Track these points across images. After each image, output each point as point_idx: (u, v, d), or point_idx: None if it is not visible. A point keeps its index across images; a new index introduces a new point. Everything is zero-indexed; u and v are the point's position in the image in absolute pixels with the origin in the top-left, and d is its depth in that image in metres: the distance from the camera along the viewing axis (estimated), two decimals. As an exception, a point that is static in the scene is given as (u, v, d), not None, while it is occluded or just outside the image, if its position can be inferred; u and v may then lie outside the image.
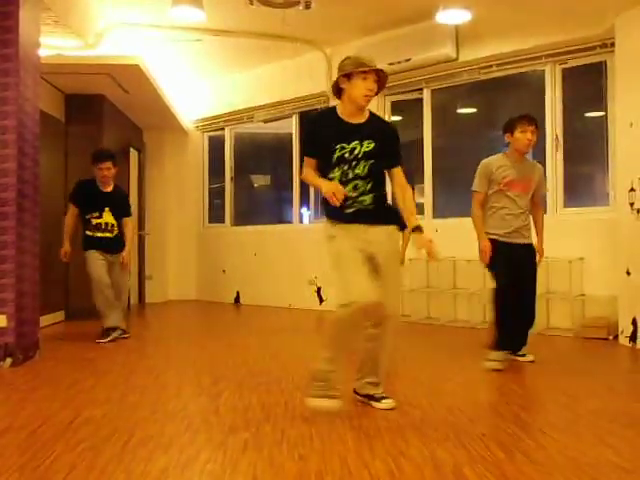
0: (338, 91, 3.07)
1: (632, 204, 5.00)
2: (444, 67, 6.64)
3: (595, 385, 3.77)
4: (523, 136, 4.21)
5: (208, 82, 8.93)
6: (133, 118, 8.48)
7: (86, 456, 2.44)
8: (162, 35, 6.93)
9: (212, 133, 9.47)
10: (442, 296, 6.52)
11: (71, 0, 5.73)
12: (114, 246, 5.52)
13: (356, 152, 3.00)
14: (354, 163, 3.00)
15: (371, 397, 3.17)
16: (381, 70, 3.03)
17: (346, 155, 2.99)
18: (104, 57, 6.27)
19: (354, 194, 3.02)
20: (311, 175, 3.10)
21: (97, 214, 5.50)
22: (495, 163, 4.28)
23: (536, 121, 4.30)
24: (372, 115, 3.13)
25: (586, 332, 5.50)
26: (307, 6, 5.86)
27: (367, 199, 3.04)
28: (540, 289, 5.85)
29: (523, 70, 6.36)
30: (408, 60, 6.58)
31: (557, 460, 2.40)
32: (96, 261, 5.44)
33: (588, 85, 6.24)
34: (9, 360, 4.21)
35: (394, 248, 3.15)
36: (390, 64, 6.71)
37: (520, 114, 4.33)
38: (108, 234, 5.52)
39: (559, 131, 6.10)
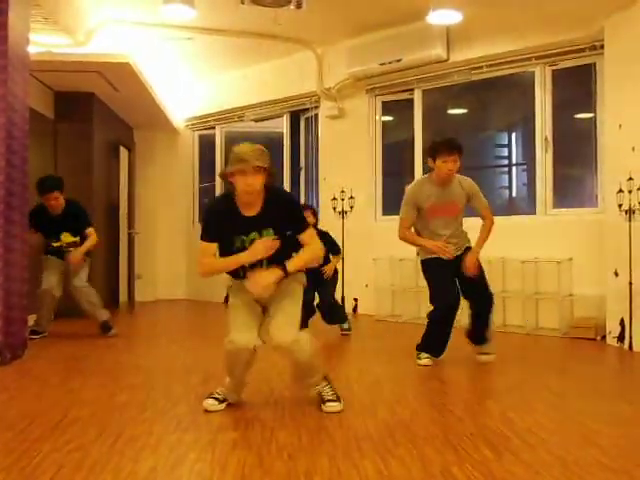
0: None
1: (620, 205, 5.04)
2: (435, 68, 6.66)
3: (583, 385, 3.80)
4: (444, 166, 4.14)
5: (199, 81, 8.90)
6: (123, 116, 8.44)
7: (74, 456, 2.43)
8: (153, 33, 6.91)
9: (202, 132, 9.45)
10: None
11: (61, -3, 5.70)
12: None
13: (248, 242, 3.01)
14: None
15: (321, 399, 3.16)
16: (254, 167, 2.90)
17: (247, 245, 3.00)
18: (94, 55, 6.23)
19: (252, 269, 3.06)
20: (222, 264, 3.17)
21: (54, 239, 5.48)
22: (420, 189, 4.27)
23: (459, 149, 4.16)
24: (266, 199, 3.02)
25: (574, 332, 5.54)
26: (298, 5, 5.85)
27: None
28: (529, 289, 5.92)
29: (513, 71, 6.39)
30: (399, 60, 6.59)
31: (545, 459, 2.41)
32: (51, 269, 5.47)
33: (577, 87, 6.28)
34: (-4, 359, 4.18)
35: (283, 284, 3.06)
36: (381, 64, 6.74)
37: (442, 139, 4.24)
38: (71, 249, 5.50)
39: (548, 132, 6.13)
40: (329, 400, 3.11)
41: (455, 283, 4.28)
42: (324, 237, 5.52)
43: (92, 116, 7.19)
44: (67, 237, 5.50)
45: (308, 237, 3.10)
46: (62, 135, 7.07)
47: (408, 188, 4.39)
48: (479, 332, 4.39)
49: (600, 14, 5.33)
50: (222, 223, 3.04)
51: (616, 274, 5.09)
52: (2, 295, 4.21)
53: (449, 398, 3.59)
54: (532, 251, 5.94)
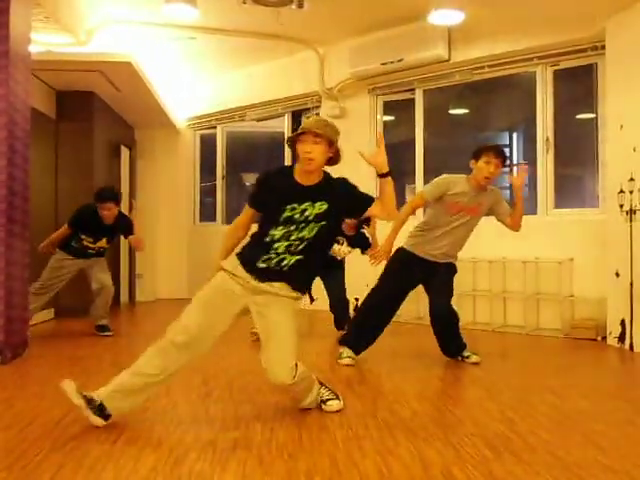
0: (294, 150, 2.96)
1: (622, 206, 5.03)
2: (436, 67, 6.66)
3: (583, 385, 3.80)
4: (486, 167, 4.11)
5: (200, 80, 8.90)
6: (124, 116, 8.44)
7: (74, 455, 2.43)
8: (154, 32, 6.91)
9: (204, 131, 9.45)
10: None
11: (63, -4, 5.70)
12: (92, 256, 5.62)
13: (297, 215, 2.86)
14: (302, 225, 2.86)
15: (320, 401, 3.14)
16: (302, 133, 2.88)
17: (297, 215, 2.86)
18: (95, 54, 6.23)
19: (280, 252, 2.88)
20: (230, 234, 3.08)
21: (91, 240, 5.55)
22: (456, 181, 4.24)
23: (504, 156, 4.17)
24: (325, 176, 2.98)
25: (575, 333, 5.54)
26: (300, 5, 5.85)
27: (291, 260, 2.88)
28: (530, 289, 5.92)
29: (515, 71, 6.39)
30: (400, 60, 6.59)
31: (545, 460, 2.41)
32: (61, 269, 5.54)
33: (579, 87, 6.27)
34: (-2, 358, 4.19)
35: (281, 316, 2.89)
36: (382, 64, 6.73)
37: (488, 145, 4.27)
38: (92, 252, 5.60)
39: (550, 133, 6.13)
40: (329, 399, 3.11)
41: (405, 292, 4.33)
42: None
43: (93, 115, 7.19)
44: (103, 242, 5.61)
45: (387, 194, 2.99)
46: (63, 134, 7.07)
47: (446, 175, 4.28)
48: (454, 343, 4.39)
49: (601, 14, 5.33)
50: (272, 190, 2.93)
51: (617, 274, 5.09)
52: (3, 294, 4.21)
53: (450, 398, 3.59)
54: (533, 251, 5.94)
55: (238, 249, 3.02)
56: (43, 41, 5.96)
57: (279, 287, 2.88)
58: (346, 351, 4.30)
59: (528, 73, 6.32)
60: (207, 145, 9.44)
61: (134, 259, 8.81)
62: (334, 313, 5.51)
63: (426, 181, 7.04)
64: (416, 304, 6.63)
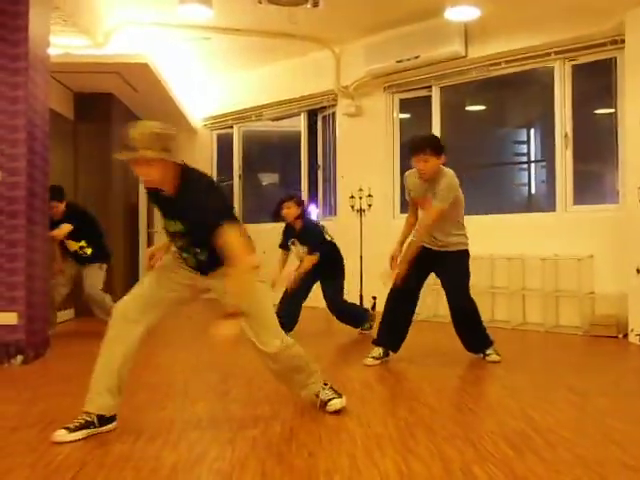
0: None
1: (642, 201, 4.97)
2: (453, 64, 6.62)
3: (604, 383, 3.76)
4: (415, 165, 4.12)
5: (216, 80, 8.93)
6: (142, 116, 8.49)
7: (96, 454, 2.46)
8: (170, 33, 6.95)
9: (220, 131, 9.49)
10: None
11: (80, -1, 5.75)
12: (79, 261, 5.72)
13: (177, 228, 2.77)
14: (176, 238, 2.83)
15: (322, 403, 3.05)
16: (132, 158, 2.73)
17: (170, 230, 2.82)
18: (113, 56, 6.29)
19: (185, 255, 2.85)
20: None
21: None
22: None
23: (422, 149, 4.04)
24: (184, 183, 2.78)
25: (595, 330, 5.48)
26: (315, 4, 5.85)
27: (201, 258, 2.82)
28: (549, 287, 5.87)
29: (532, 67, 6.33)
30: (417, 57, 6.56)
31: (566, 458, 2.39)
32: None
33: (598, 82, 6.20)
34: (20, 357, 4.24)
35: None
36: (398, 61, 6.71)
37: (412, 138, 4.31)
38: (76, 256, 5.70)
39: (568, 128, 6.07)
40: (330, 399, 3.01)
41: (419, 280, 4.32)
42: (309, 232, 5.39)
43: (111, 116, 7.25)
44: (73, 245, 5.64)
45: (228, 232, 2.64)
46: (82, 135, 7.14)
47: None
48: (475, 337, 4.36)
49: (620, 7, 5.26)
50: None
51: (638, 271, 5.02)
52: (24, 294, 4.27)
53: (469, 396, 3.57)
54: (552, 248, 5.89)
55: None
56: (61, 44, 6.02)
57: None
58: (374, 351, 4.29)
59: (546, 68, 6.26)
60: (224, 145, 9.48)
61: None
62: (333, 314, 5.55)
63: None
64: (435, 302, 6.61)
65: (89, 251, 5.66)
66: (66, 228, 5.49)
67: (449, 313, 4.32)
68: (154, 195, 2.85)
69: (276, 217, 5.64)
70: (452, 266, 4.26)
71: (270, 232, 8.56)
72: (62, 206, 5.53)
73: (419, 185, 4.18)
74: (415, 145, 4.13)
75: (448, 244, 4.24)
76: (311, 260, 5.28)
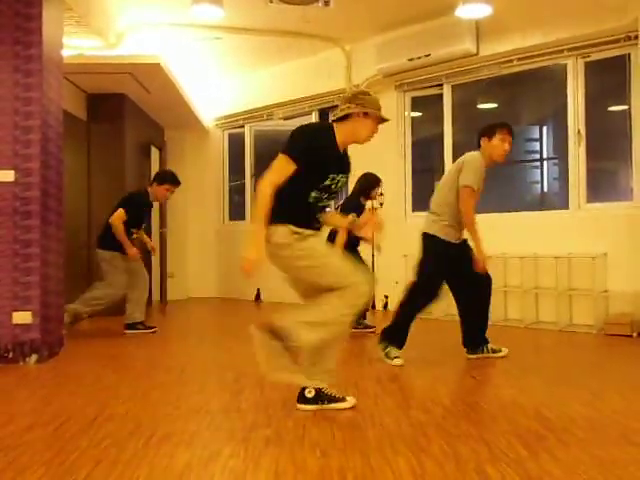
0: (345, 117, 2.98)
1: (657, 199, 4.93)
2: (464, 62, 6.60)
3: (619, 383, 3.73)
4: (501, 145, 4.14)
5: (228, 80, 8.96)
6: (154, 117, 8.54)
7: (110, 451, 2.47)
8: (182, 34, 6.98)
9: (232, 131, 9.52)
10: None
11: (92, 0, 5.79)
12: None
13: (339, 184, 2.99)
14: (332, 195, 3.00)
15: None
16: (386, 120, 3.08)
17: (333, 186, 2.96)
18: (125, 57, 6.33)
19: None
20: (267, 201, 2.82)
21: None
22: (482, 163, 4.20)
23: (514, 135, 4.22)
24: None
25: (609, 329, 5.44)
26: (326, 3, 5.85)
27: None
28: (562, 285, 5.84)
29: (544, 64, 6.30)
30: (428, 55, 6.55)
31: (581, 459, 2.37)
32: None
33: (611, 79, 6.16)
34: (35, 356, 4.28)
35: None
36: (410, 60, 6.70)
37: (501, 122, 4.27)
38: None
39: (581, 126, 6.03)
40: (333, 400, 3.04)
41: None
42: None
43: (124, 117, 7.30)
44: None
45: None
46: (95, 136, 7.19)
47: (474, 156, 4.18)
48: (482, 329, 4.36)
49: (634, 3, 5.22)
50: (322, 150, 2.90)
51: (653, 269, 4.99)
52: (39, 294, 4.30)
53: (482, 396, 3.56)
54: (565, 247, 5.85)
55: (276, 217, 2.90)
56: (74, 45, 6.06)
57: None
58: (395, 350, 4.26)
59: (558, 65, 6.22)
60: (235, 144, 9.50)
61: (165, 258, 8.91)
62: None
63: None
64: (447, 300, 6.59)
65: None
66: None
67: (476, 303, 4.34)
68: (330, 146, 2.98)
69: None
70: (468, 251, 4.31)
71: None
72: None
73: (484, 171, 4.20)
74: (510, 126, 4.20)
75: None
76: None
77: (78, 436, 2.67)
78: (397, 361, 4.13)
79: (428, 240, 4.24)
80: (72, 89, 6.73)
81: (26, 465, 2.32)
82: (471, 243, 4.19)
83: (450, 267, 4.22)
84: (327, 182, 2.91)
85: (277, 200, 2.84)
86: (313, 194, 2.91)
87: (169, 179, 5.70)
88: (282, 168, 2.86)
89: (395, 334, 4.22)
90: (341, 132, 2.98)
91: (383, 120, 3.04)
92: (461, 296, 4.37)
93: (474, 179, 4.11)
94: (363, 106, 2.96)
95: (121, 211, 5.48)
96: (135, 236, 5.69)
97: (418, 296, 4.27)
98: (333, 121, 3.03)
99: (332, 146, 2.96)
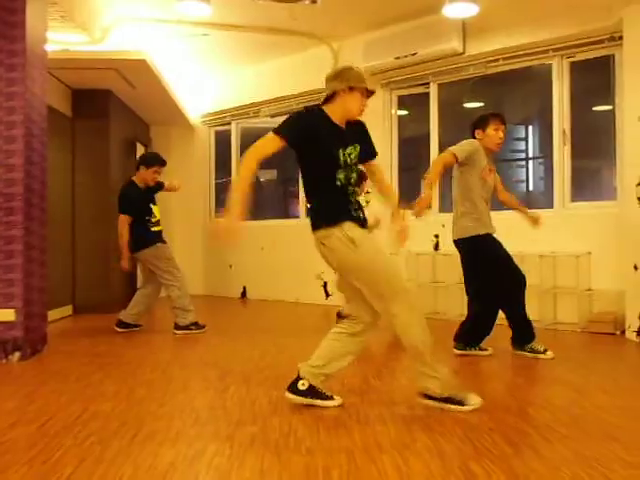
0: (332, 96, 3.04)
1: (639, 198, 4.98)
2: (451, 61, 6.62)
3: (602, 380, 3.76)
4: (495, 134, 4.26)
5: (214, 77, 8.92)
6: (140, 113, 8.48)
7: (94, 450, 2.46)
8: (168, 30, 6.93)
9: (218, 128, 9.48)
10: (449, 291, 6.50)
11: (77, -5, 5.73)
12: None
13: (352, 157, 3.00)
14: (353, 168, 3.01)
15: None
16: (372, 92, 3.13)
17: (348, 160, 2.97)
18: (110, 52, 6.27)
19: (353, 199, 3.02)
20: (249, 173, 2.90)
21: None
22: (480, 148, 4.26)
23: (506, 124, 4.35)
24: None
25: (593, 327, 5.49)
26: (313, 1, 5.85)
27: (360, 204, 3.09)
28: (547, 284, 5.88)
29: (530, 64, 6.33)
30: (414, 54, 6.55)
31: (565, 455, 2.39)
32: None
33: (596, 79, 6.21)
34: (17, 354, 4.24)
35: None
36: (396, 58, 6.70)
37: (492, 112, 4.38)
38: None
39: (566, 125, 6.07)
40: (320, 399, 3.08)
41: None
42: None
43: (109, 113, 7.24)
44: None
45: (379, 166, 3.25)
46: (80, 132, 7.13)
47: (468, 139, 4.30)
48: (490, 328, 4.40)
49: (618, 4, 5.26)
50: (314, 128, 2.94)
51: (635, 268, 5.04)
52: (22, 291, 4.27)
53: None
54: (550, 245, 5.90)
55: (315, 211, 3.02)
56: (59, 40, 6.00)
57: None
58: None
59: (544, 65, 6.26)
60: (222, 141, 9.47)
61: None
62: None
63: (442, 175, 6.98)
64: (433, 299, 6.62)
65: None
66: None
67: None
68: (327, 125, 3.00)
69: None
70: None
71: (268, 229, 8.61)
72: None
73: (485, 156, 4.28)
74: (502, 116, 4.31)
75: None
76: None
77: (62, 434, 2.65)
78: (549, 353, 4.26)
79: (469, 244, 4.28)
80: (57, 85, 6.67)
81: (9, 464, 2.30)
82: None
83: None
84: (341, 158, 2.93)
85: (314, 199, 3.00)
86: (338, 175, 2.93)
87: (157, 161, 5.67)
88: (266, 142, 2.91)
89: (523, 334, 4.34)
90: (333, 111, 3.02)
91: (370, 92, 3.08)
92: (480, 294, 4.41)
93: (457, 147, 4.18)
94: (348, 80, 3.01)
95: (122, 217, 5.49)
96: (155, 219, 5.65)
97: (507, 292, 4.32)
98: (323, 104, 3.07)
99: (326, 124, 2.97)
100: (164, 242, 5.65)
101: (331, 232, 2.89)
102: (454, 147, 4.19)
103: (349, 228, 2.90)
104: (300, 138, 2.90)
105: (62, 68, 6.18)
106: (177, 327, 5.48)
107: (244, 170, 2.89)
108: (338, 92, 3.01)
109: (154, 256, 5.53)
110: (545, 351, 4.25)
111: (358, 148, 3.02)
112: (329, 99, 3.04)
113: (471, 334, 4.42)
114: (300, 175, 3.08)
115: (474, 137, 4.33)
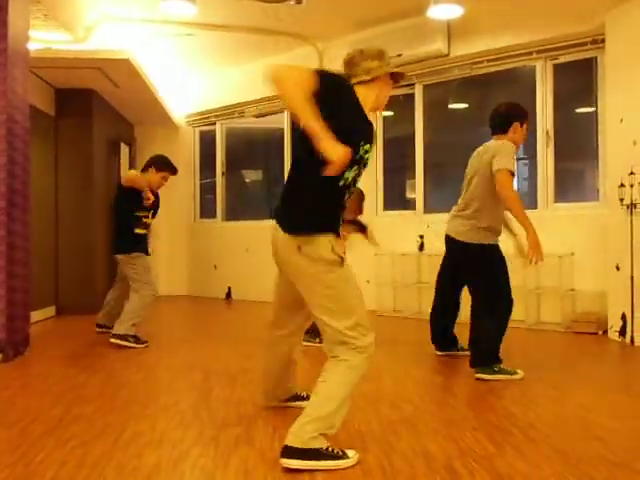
0: (373, 78, 2.54)
1: (622, 200, 5.02)
2: (435, 62, 6.64)
3: (585, 379, 3.80)
4: (525, 131, 3.99)
5: (199, 77, 8.89)
6: (124, 113, 8.43)
7: (77, 453, 2.44)
8: (153, 29, 6.89)
9: (203, 128, 9.44)
10: (432, 291, 6.51)
11: (61, -7, 5.69)
12: None
13: (366, 157, 2.48)
14: (361, 170, 2.49)
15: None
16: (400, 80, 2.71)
17: (364, 159, 2.46)
18: (94, 51, 6.22)
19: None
20: (304, 99, 2.22)
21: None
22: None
23: None
24: None
25: (576, 327, 5.54)
26: (298, 1, 5.84)
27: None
28: (530, 284, 5.92)
29: (514, 66, 6.38)
30: (400, 55, 6.57)
31: (547, 454, 2.41)
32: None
33: (579, 81, 6.26)
34: (-1, 356, 4.20)
35: None
36: (382, 59, 6.71)
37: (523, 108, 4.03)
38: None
39: (549, 126, 6.12)
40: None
41: None
42: None
43: (92, 112, 7.18)
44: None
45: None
46: (63, 132, 7.07)
47: (504, 143, 3.80)
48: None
49: (601, 8, 5.32)
50: (349, 107, 2.43)
51: (617, 268, 5.09)
52: (5, 292, 4.22)
53: (451, 394, 3.59)
54: (533, 246, 5.92)
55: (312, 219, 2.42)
56: (42, 38, 5.95)
57: None
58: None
59: (528, 67, 6.31)
60: (206, 142, 9.43)
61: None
62: None
63: (426, 175, 7.04)
64: (417, 299, 6.64)
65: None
66: None
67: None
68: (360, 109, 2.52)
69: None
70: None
71: (253, 229, 8.59)
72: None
73: None
74: None
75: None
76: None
77: (44, 437, 2.63)
78: (517, 375, 3.78)
79: (478, 250, 3.95)
80: (40, 84, 6.61)
81: (-11, 467, 2.28)
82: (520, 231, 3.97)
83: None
84: (360, 153, 2.40)
85: (307, 196, 2.41)
86: (346, 173, 2.36)
87: (168, 167, 5.40)
88: (305, 76, 2.31)
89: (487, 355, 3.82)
90: (367, 96, 2.52)
91: (398, 80, 2.64)
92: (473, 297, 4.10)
93: (510, 161, 3.71)
94: (388, 65, 2.57)
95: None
96: (146, 220, 5.48)
97: (496, 310, 3.95)
98: (357, 83, 2.53)
99: (359, 109, 2.48)
100: (148, 253, 5.38)
101: (316, 239, 2.37)
102: (503, 162, 3.68)
103: (336, 242, 2.40)
104: (330, 105, 2.30)
105: (45, 67, 6.12)
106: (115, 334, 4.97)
107: (297, 100, 2.27)
108: (380, 76, 2.54)
109: (133, 263, 5.20)
110: (513, 373, 3.80)
111: (371, 153, 2.50)
112: (370, 80, 2.52)
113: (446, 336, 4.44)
114: (292, 166, 2.53)
115: (506, 128, 3.90)
